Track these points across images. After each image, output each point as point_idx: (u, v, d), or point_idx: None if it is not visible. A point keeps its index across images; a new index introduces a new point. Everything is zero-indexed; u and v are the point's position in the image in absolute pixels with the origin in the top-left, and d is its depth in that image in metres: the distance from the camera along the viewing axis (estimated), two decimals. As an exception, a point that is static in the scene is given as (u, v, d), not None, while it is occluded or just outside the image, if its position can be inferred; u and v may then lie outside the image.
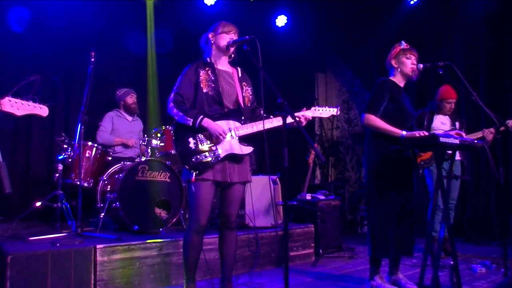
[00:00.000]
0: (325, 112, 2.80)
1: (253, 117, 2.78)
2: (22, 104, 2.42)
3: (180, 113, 2.54)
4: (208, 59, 2.74)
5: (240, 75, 2.80)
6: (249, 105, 2.77)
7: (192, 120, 2.52)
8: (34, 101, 2.48)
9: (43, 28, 4.80)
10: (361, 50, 6.94)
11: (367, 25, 6.67)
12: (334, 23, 6.78)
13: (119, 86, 4.79)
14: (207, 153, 2.54)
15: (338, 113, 2.83)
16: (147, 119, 5.08)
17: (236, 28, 2.72)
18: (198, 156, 2.53)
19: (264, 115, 2.72)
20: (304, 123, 2.67)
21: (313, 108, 2.77)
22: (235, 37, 2.68)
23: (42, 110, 2.51)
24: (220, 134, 2.54)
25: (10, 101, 2.38)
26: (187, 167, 2.53)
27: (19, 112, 2.41)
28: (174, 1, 5.66)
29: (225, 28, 2.69)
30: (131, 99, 4.68)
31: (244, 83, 2.79)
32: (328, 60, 7.88)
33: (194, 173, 2.51)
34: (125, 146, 4.54)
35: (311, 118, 2.73)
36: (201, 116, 2.53)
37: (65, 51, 5.00)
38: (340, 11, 6.45)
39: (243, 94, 2.74)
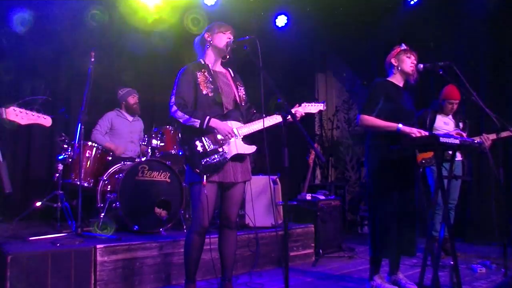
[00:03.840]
0: (314, 107, 2.90)
1: (248, 116, 2.80)
2: (27, 114, 2.51)
3: (185, 115, 2.53)
4: (202, 60, 2.74)
5: (233, 76, 2.81)
6: (243, 104, 2.78)
7: (199, 121, 2.51)
8: (38, 112, 2.58)
9: (44, 29, 4.79)
10: (361, 50, 6.93)
11: (367, 25, 6.66)
12: (334, 23, 6.77)
13: (121, 86, 4.78)
14: (215, 155, 2.55)
15: (325, 108, 2.96)
16: (148, 119, 5.08)
17: (231, 28, 2.72)
18: (208, 159, 2.53)
19: (258, 114, 2.78)
20: (298, 118, 2.73)
21: (303, 104, 2.86)
22: (231, 37, 2.68)
23: (46, 121, 2.61)
24: (229, 133, 2.55)
25: (15, 110, 2.47)
26: (197, 170, 2.51)
27: (23, 121, 2.50)
28: (174, 1, 5.65)
29: (222, 28, 2.69)
30: (132, 99, 4.67)
31: (238, 83, 2.81)
32: (328, 60, 7.87)
33: (205, 176, 2.50)
34: (114, 153, 4.41)
35: (304, 114, 2.81)
36: (208, 117, 2.53)
37: (65, 51, 5.00)
38: (340, 11, 6.45)
39: (239, 93, 2.75)
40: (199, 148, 2.54)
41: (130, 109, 4.67)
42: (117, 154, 4.45)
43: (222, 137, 2.57)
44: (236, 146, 2.61)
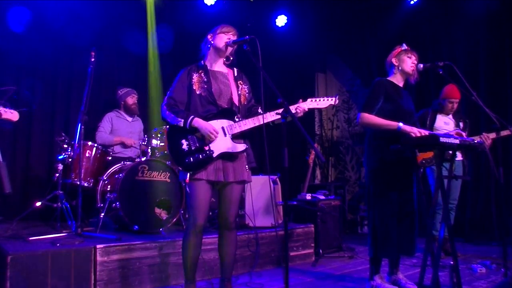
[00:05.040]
0: (323, 102, 2.69)
1: (249, 115, 2.77)
2: None
3: (172, 114, 2.58)
4: (202, 61, 2.76)
5: (236, 74, 2.81)
6: (245, 103, 2.77)
7: (183, 120, 2.55)
8: (5, 106, 2.81)
9: (43, 28, 4.80)
10: (361, 50, 6.93)
11: (367, 25, 6.66)
12: (334, 23, 6.78)
13: (120, 86, 4.78)
14: (199, 154, 2.55)
15: (337, 102, 2.71)
16: (147, 119, 5.08)
17: (235, 29, 2.72)
18: (191, 157, 2.54)
19: (261, 111, 2.73)
20: (300, 114, 2.64)
21: (309, 100, 2.69)
22: (233, 38, 2.69)
23: (13, 115, 2.83)
24: (211, 133, 2.55)
25: None
26: (180, 168, 2.55)
27: None
28: (174, 1, 5.66)
29: (224, 29, 2.70)
30: (131, 99, 4.67)
31: (240, 81, 2.80)
32: (328, 60, 7.88)
33: (189, 174, 2.52)
34: (124, 145, 4.53)
35: (307, 110, 2.66)
36: (192, 116, 2.56)
37: (65, 51, 5.00)
38: (340, 11, 6.45)
39: (239, 92, 2.75)
40: (185, 147, 2.57)
41: (129, 110, 4.67)
42: (129, 145, 4.51)
43: (205, 137, 2.57)
44: (224, 145, 2.60)
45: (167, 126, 4.20)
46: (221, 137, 2.61)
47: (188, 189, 2.57)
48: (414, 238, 2.96)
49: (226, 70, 2.80)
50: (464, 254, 4.35)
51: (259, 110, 2.76)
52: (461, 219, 5.14)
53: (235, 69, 2.84)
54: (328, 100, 2.70)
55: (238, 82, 2.78)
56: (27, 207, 3.97)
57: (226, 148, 2.60)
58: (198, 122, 2.56)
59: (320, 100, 2.70)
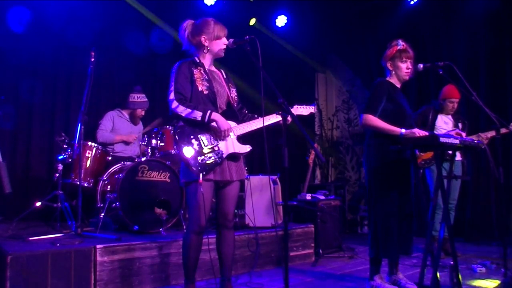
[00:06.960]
0: (305, 110, 2.92)
1: (240, 117, 2.80)
2: None
3: (188, 109, 2.52)
4: (197, 58, 2.74)
5: (225, 76, 2.83)
6: (235, 105, 2.79)
7: (201, 113, 2.51)
8: None
9: (43, 28, 4.79)
10: (361, 50, 6.94)
11: (367, 25, 6.67)
12: (334, 23, 6.78)
13: (138, 89, 4.72)
14: (211, 154, 2.55)
15: (315, 110, 2.94)
16: (148, 119, 5.08)
17: (226, 29, 2.73)
18: (204, 157, 2.53)
19: (249, 114, 2.82)
20: (289, 121, 2.66)
21: (295, 107, 2.88)
22: (226, 42, 2.69)
23: None
24: (228, 129, 2.56)
25: None
26: (194, 169, 2.50)
27: None
28: (174, 1, 5.66)
29: (221, 33, 2.69)
30: (141, 112, 4.69)
31: (230, 84, 2.82)
32: (328, 60, 7.88)
33: (201, 175, 2.49)
34: (126, 143, 4.54)
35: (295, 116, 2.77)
36: (210, 110, 2.53)
37: (65, 51, 5.00)
38: (340, 11, 6.45)
39: (231, 94, 2.77)
40: (196, 147, 2.54)
41: (133, 118, 4.70)
42: (132, 142, 4.53)
43: (220, 133, 2.56)
44: (231, 146, 2.63)
45: (168, 126, 4.23)
46: (229, 137, 2.63)
47: (195, 190, 2.52)
48: (411, 238, 2.98)
49: (216, 70, 2.82)
50: (464, 254, 4.34)
51: (246, 111, 2.87)
52: (461, 219, 5.14)
53: (221, 70, 2.86)
54: (308, 108, 2.93)
55: (229, 85, 2.80)
56: (27, 207, 3.96)
57: (234, 148, 2.63)
58: (217, 115, 2.56)
59: (302, 107, 2.92)
